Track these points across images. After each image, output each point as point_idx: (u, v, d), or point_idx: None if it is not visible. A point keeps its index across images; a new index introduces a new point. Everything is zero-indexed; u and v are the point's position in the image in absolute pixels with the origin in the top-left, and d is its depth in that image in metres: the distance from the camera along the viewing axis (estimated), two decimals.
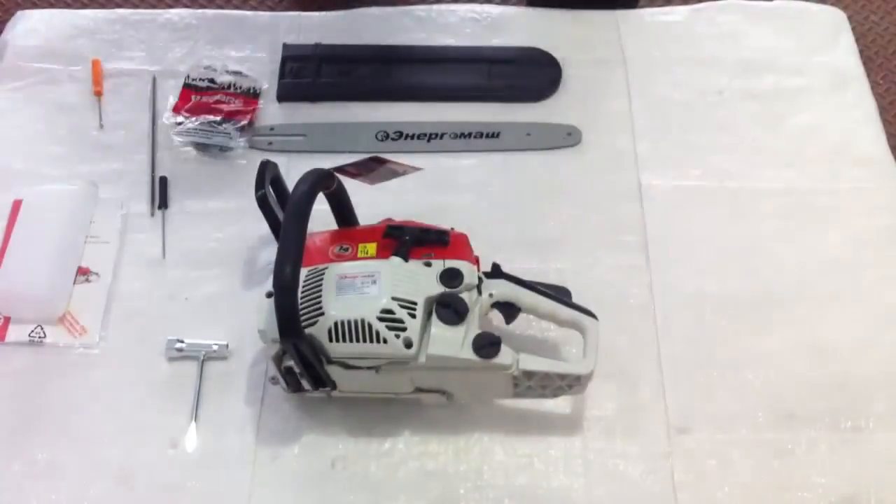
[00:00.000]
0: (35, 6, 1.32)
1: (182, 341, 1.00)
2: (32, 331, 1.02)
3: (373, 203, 1.04)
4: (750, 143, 1.20)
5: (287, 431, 0.96)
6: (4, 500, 0.92)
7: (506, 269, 0.94)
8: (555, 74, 1.25)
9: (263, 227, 1.00)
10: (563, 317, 0.92)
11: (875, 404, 0.99)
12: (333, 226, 0.99)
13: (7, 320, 1.03)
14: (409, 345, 0.84)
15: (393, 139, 1.19)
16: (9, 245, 1.06)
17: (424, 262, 0.89)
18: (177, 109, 1.19)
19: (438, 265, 0.88)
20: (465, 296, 0.87)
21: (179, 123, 1.18)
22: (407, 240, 0.90)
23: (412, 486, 0.93)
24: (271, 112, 1.22)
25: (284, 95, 1.23)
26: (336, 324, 0.84)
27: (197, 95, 1.21)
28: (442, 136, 1.19)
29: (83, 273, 1.06)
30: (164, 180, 1.14)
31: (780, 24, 1.32)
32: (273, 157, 1.03)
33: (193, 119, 1.18)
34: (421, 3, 1.35)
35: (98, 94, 1.22)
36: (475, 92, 1.24)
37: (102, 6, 1.35)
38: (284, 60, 1.26)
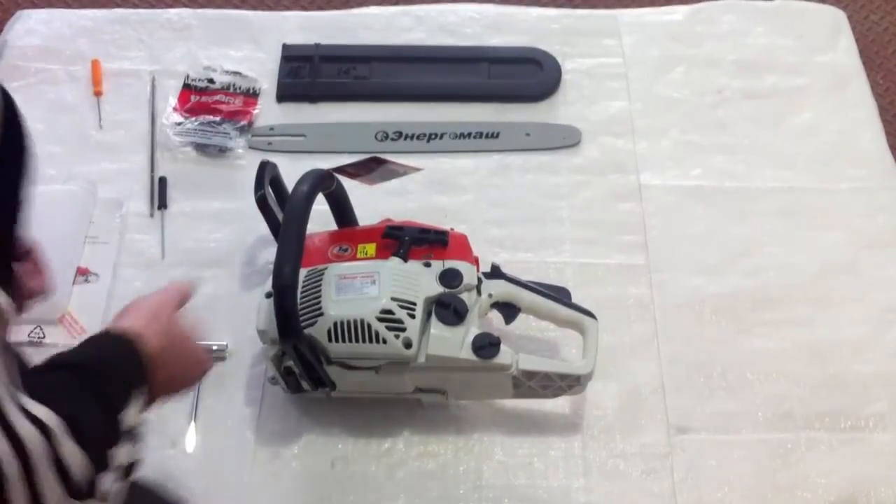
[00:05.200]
0: (35, 6, 1.31)
1: None
2: (32, 331, 1.02)
3: (373, 203, 1.04)
4: (750, 143, 1.20)
5: (287, 431, 0.96)
6: None
7: (505, 269, 0.94)
8: (555, 74, 1.25)
9: (263, 228, 1.00)
10: (563, 317, 0.92)
11: (875, 404, 0.99)
12: (333, 226, 0.99)
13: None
14: (408, 345, 0.84)
15: (393, 139, 1.19)
16: None
17: (424, 263, 0.89)
18: (176, 109, 1.19)
19: (438, 266, 0.88)
20: (464, 296, 0.87)
21: (179, 123, 1.18)
22: (406, 240, 0.90)
23: (412, 486, 0.93)
24: (271, 112, 1.22)
25: (284, 95, 1.23)
26: (335, 324, 0.84)
27: (196, 95, 1.21)
28: (442, 136, 1.19)
29: (83, 273, 1.06)
30: (163, 180, 1.14)
31: (780, 24, 1.31)
32: (273, 158, 1.03)
33: (193, 119, 1.18)
34: (421, 3, 1.35)
35: (98, 94, 1.22)
36: (475, 92, 1.24)
37: (102, 6, 1.34)
38: (284, 60, 1.26)
